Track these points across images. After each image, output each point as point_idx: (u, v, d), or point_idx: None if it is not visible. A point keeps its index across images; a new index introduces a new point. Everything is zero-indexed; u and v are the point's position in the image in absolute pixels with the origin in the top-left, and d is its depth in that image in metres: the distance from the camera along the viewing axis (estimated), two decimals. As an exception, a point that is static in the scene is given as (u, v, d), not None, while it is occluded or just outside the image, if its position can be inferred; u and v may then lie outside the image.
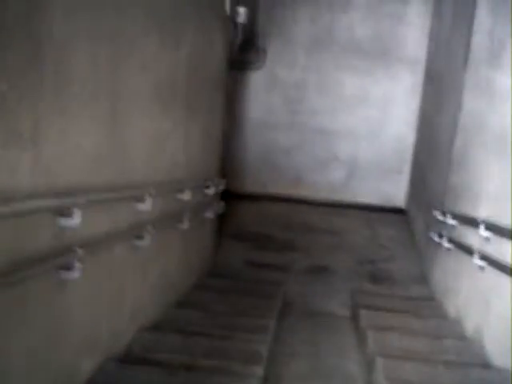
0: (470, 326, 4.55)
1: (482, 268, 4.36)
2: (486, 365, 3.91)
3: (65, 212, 2.45)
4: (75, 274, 2.59)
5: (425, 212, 6.94)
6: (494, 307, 4.07)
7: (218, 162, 6.12)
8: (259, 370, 3.51)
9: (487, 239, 4.28)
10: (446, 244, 5.32)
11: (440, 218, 5.53)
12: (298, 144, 8.62)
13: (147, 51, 3.59)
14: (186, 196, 4.50)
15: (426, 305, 5.52)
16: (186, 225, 4.59)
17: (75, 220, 2.48)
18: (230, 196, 8.56)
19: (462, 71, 5.54)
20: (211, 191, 5.53)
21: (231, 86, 8.37)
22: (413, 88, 8.26)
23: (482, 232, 4.26)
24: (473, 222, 4.52)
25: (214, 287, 5.42)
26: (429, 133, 7.29)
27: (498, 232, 4.05)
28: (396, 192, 8.56)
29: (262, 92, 8.52)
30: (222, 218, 7.47)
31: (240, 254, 6.79)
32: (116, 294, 3.47)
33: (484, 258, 4.28)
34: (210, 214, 5.61)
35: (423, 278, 6.38)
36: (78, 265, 2.60)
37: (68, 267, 2.55)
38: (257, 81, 8.51)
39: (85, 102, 2.72)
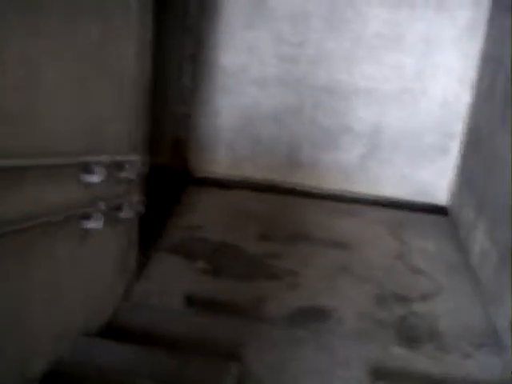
0: None
1: None
2: None
3: None
4: None
5: (493, 218, 4.19)
6: None
7: (131, 128, 3.37)
8: None
9: None
10: None
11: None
12: (294, 107, 5.79)
13: None
14: None
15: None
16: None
17: None
18: (188, 181, 5.87)
19: None
20: (96, 178, 2.77)
21: (193, 16, 5.61)
22: (471, 25, 5.37)
23: None
24: None
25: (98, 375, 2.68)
26: (505, 89, 4.48)
27: None
28: (437, 182, 5.74)
29: (241, 27, 5.65)
30: (167, 217, 4.84)
31: (181, 283, 4.06)
32: None
33: None
34: (95, 223, 2.86)
35: (492, 335, 3.67)
36: None
37: None
38: (234, 9, 5.64)
39: None
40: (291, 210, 5.46)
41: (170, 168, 5.90)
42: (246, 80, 5.76)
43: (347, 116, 5.78)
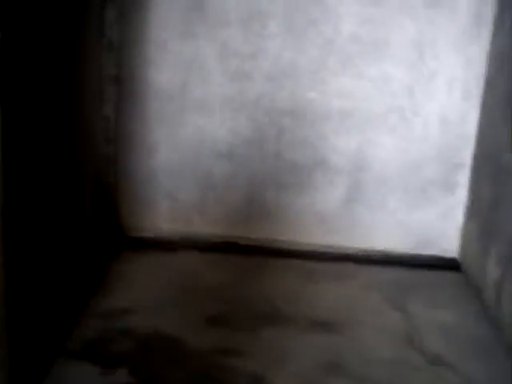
0: None
1: None
2: None
3: None
4: None
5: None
6: None
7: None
8: None
9: None
10: None
11: None
12: (252, 137, 4.46)
13: None
14: None
15: None
16: None
17: None
18: (120, 242, 4.48)
19: None
20: None
21: (111, 24, 4.31)
22: (475, 21, 4.17)
23: None
24: None
25: None
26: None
27: None
28: (443, 228, 4.45)
29: (177, 37, 4.33)
30: (83, 299, 3.47)
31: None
32: None
33: None
34: None
35: None
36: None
37: None
38: (168, 11, 4.32)
39: None
40: (256, 276, 4.07)
41: (96, 225, 4.54)
42: (189, 105, 4.43)
43: (321, 146, 4.47)
